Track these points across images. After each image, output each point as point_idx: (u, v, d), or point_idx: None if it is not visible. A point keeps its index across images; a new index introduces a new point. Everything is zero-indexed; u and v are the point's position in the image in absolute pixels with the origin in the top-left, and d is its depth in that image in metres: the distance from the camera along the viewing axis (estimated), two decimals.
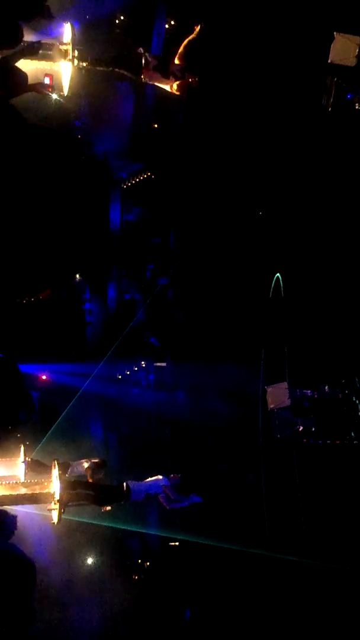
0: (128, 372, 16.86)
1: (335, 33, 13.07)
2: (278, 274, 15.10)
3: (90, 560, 15.54)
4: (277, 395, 14.50)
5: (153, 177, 16.49)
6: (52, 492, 10.16)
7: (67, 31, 11.43)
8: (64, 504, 10.07)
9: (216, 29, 14.39)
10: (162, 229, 16.81)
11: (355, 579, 14.04)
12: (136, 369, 16.94)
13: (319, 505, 14.39)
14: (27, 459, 10.85)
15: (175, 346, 16.75)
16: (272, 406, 14.56)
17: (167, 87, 11.18)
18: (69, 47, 11.21)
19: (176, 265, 16.45)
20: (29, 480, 10.57)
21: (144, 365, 16.97)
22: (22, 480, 10.57)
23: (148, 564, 16.06)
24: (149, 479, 10.73)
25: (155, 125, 16.18)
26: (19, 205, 14.95)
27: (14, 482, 10.50)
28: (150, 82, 11.34)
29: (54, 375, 16.15)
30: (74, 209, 15.88)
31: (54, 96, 15.65)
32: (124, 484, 10.46)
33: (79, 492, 10.29)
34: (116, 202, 16.43)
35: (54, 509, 10.12)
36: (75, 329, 16.50)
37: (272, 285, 15.38)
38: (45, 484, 10.29)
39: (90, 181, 16.24)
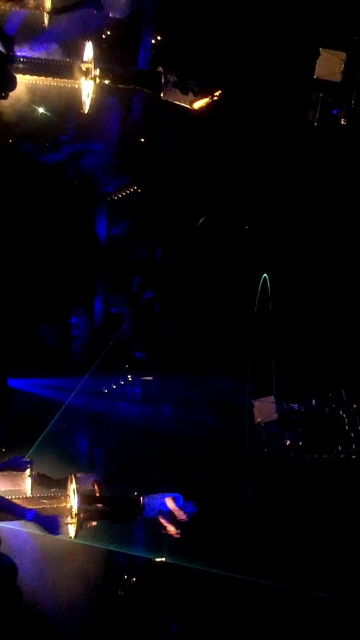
0: (114, 386, 16.79)
1: (320, 49, 13.19)
2: (265, 275, 15.08)
3: (74, 577, 15.40)
4: (264, 409, 14.45)
5: (140, 190, 16.52)
6: (69, 506, 10.24)
7: (87, 50, 11.61)
8: (82, 519, 10.16)
9: (203, 43, 14.56)
10: (149, 243, 16.81)
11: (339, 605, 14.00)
12: (122, 382, 16.87)
13: (307, 520, 14.35)
14: (33, 472, 10.90)
15: (162, 360, 16.71)
16: (259, 420, 14.50)
17: (186, 105, 11.40)
18: (90, 66, 11.39)
19: (162, 278, 16.45)
20: (45, 494, 10.64)
21: (130, 379, 16.91)
22: (29, 494, 10.67)
23: (134, 579, 15.93)
24: (162, 495, 10.74)
25: (142, 139, 16.21)
26: (4, 220, 14.97)
27: (30, 496, 10.60)
28: (170, 100, 11.57)
29: (38, 389, 16.06)
30: (60, 223, 15.92)
31: (41, 110, 15.76)
32: (140, 499, 10.49)
33: (96, 507, 10.34)
34: (102, 216, 16.43)
35: (71, 524, 10.19)
36: (61, 343, 16.47)
37: (257, 296, 15.39)
38: (62, 498, 10.40)
39: (76, 195, 16.28)
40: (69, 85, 12.25)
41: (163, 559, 15.69)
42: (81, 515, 10.27)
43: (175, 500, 10.94)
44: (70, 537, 10.58)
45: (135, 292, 16.85)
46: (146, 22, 15.18)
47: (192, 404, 16.05)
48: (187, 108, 12.01)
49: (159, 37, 15.21)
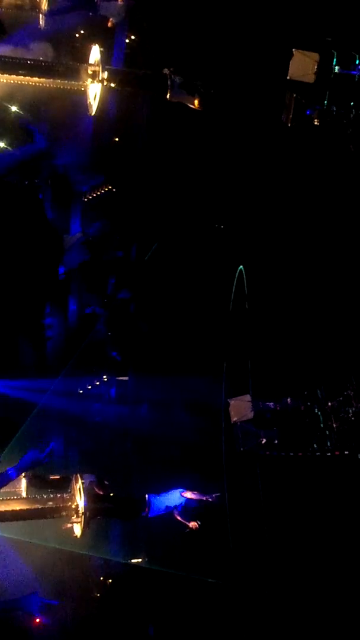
0: (90, 387, 16.71)
1: (293, 50, 13.28)
2: (241, 267, 15.11)
3: (50, 578, 15.27)
4: (240, 408, 14.47)
5: (114, 190, 16.47)
6: (75, 505, 10.34)
7: (94, 52, 11.64)
8: (88, 518, 10.27)
9: (179, 43, 14.58)
10: (124, 242, 16.77)
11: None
12: (98, 383, 16.79)
13: (283, 517, 14.41)
14: (28, 473, 10.86)
15: (138, 360, 16.67)
16: (235, 419, 14.51)
17: (191, 105, 11.54)
18: (98, 68, 11.44)
19: (138, 278, 16.43)
20: (42, 495, 10.66)
21: (105, 380, 16.83)
22: (24, 495, 10.74)
23: (110, 581, 15.84)
24: (167, 492, 10.88)
25: (117, 139, 16.18)
26: None
27: (30, 497, 10.63)
28: (175, 101, 11.71)
29: (11, 391, 15.90)
30: (34, 223, 15.83)
31: (14, 108, 15.67)
32: (146, 497, 10.63)
33: (102, 505, 10.43)
34: (77, 215, 16.35)
35: (76, 522, 10.28)
36: (35, 344, 16.35)
37: (232, 295, 15.43)
38: (67, 497, 10.48)
39: (49, 195, 16.20)
40: (52, 85, 12.23)
41: (139, 561, 15.66)
42: (87, 514, 10.37)
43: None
44: (76, 536, 10.69)
45: (110, 292, 16.80)
46: (120, 21, 15.14)
47: (168, 404, 16.04)
48: (193, 108, 12.21)
49: (132, 37, 15.21)
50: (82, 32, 14.91)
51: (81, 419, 16.43)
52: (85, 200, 16.52)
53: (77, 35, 14.90)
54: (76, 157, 16.04)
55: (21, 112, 15.01)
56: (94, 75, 11.81)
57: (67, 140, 15.67)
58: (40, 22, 12.82)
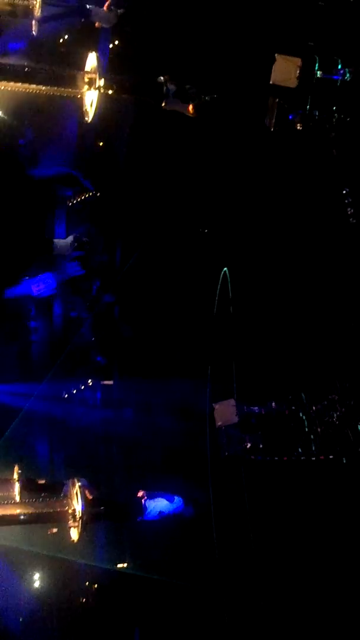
0: (75, 391, 16.69)
1: (276, 54, 13.35)
2: (225, 269, 15.14)
3: (34, 584, 15.24)
4: (225, 412, 14.48)
5: (98, 194, 16.50)
6: (72, 510, 10.45)
7: (90, 59, 11.68)
8: (85, 522, 10.38)
9: (161, 46, 14.63)
10: (108, 246, 16.78)
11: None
12: (83, 387, 16.77)
13: (268, 522, 14.41)
14: (21, 477, 10.95)
15: (123, 364, 16.67)
16: (219, 424, 14.52)
17: (185, 112, 11.61)
18: (94, 76, 11.50)
19: (122, 282, 16.45)
20: (35, 499, 10.74)
21: (90, 384, 16.81)
22: (18, 499, 10.79)
23: (95, 586, 15.81)
24: (163, 498, 10.97)
25: (101, 143, 16.21)
26: None
27: (24, 501, 10.70)
28: (171, 109, 11.82)
29: None
30: (19, 226, 15.82)
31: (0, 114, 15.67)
32: (142, 501, 10.74)
33: (98, 509, 10.54)
34: (61, 219, 16.36)
35: (74, 527, 10.38)
36: (20, 348, 16.34)
37: (217, 298, 15.45)
38: (64, 502, 10.58)
39: (34, 199, 16.19)
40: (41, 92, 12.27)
41: (125, 566, 15.63)
42: (84, 518, 10.43)
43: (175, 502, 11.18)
44: (73, 540, 10.76)
45: (94, 295, 16.80)
46: (104, 27, 15.17)
47: (153, 408, 16.03)
48: (187, 115, 12.31)
49: (116, 42, 15.24)
50: (65, 37, 14.95)
51: (66, 424, 16.41)
52: (70, 204, 16.53)
53: (60, 40, 14.94)
54: (61, 162, 16.06)
55: (6, 118, 15.05)
56: (91, 83, 11.87)
57: (52, 145, 15.70)
58: (34, 29, 12.86)
